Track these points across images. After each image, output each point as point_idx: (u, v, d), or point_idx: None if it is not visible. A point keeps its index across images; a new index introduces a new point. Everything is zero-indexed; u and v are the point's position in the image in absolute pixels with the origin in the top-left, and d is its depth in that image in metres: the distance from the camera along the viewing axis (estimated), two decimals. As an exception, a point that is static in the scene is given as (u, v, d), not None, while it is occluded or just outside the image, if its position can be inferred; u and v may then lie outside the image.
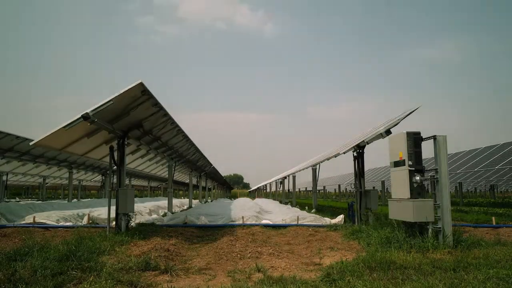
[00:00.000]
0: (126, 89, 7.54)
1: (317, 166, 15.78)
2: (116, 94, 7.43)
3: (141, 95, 8.32)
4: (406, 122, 9.20)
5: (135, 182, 35.02)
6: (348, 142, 12.55)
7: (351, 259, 5.65)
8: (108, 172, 9.62)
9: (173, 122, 11.03)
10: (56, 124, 7.36)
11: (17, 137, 14.57)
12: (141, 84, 7.82)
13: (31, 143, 7.58)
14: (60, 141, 8.32)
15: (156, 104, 9.13)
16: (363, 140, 9.60)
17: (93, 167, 23.40)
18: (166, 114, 10.04)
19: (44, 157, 17.72)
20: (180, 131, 12.45)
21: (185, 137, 13.61)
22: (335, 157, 11.19)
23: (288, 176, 25.82)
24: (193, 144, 15.78)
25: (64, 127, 7.16)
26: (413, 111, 9.16)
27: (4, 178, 21.46)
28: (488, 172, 29.81)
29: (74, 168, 21.63)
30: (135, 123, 9.39)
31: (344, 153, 10.19)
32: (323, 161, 13.46)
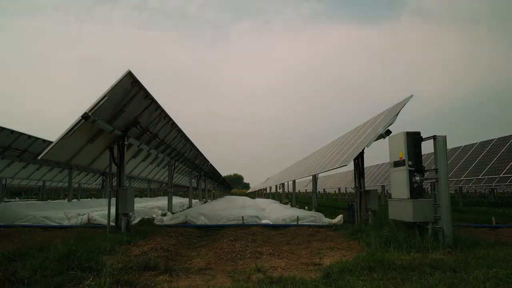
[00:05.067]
0: (117, 81, 7.54)
1: (317, 174, 15.95)
2: (109, 89, 7.43)
3: (131, 87, 8.28)
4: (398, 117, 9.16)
5: (135, 184, 34.98)
6: (348, 139, 12.55)
7: (351, 259, 5.65)
8: (108, 172, 9.60)
9: (166, 115, 11.00)
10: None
11: (12, 131, 14.02)
12: (130, 74, 7.79)
13: (39, 157, 7.56)
14: (65, 151, 8.28)
15: (147, 96, 9.11)
16: (364, 146, 9.58)
17: (93, 168, 23.38)
18: (158, 107, 10.02)
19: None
20: (174, 125, 12.42)
21: (180, 131, 13.59)
22: (336, 168, 11.18)
23: (288, 182, 25.91)
24: (188, 140, 15.76)
25: (67, 133, 7.18)
26: (406, 102, 9.15)
27: (4, 181, 21.44)
28: (491, 180, 29.79)
29: (74, 169, 21.62)
30: (132, 120, 9.38)
31: (346, 164, 10.05)
32: (324, 171, 13.47)
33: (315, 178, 17.70)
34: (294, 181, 23.29)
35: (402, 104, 9.28)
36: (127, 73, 7.71)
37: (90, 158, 9.72)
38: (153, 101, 9.50)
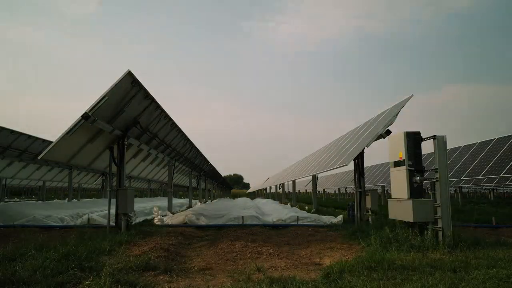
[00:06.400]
0: (117, 81, 7.54)
1: (317, 174, 15.96)
2: (109, 88, 7.43)
3: (131, 87, 8.27)
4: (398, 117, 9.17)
5: (135, 184, 34.97)
6: (348, 138, 12.56)
7: (351, 259, 5.65)
8: (108, 172, 9.61)
9: (166, 115, 11.00)
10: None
11: (12, 131, 13.99)
12: (129, 74, 7.78)
13: (39, 157, 7.55)
14: (65, 151, 8.27)
15: (147, 96, 9.10)
16: (364, 146, 9.58)
17: (93, 168, 23.36)
18: (158, 106, 10.02)
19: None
20: (174, 125, 12.42)
21: (180, 131, 13.59)
22: (336, 168, 11.18)
23: (288, 182, 25.92)
24: (188, 140, 15.77)
25: (67, 133, 7.17)
26: (406, 102, 9.13)
27: (4, 181, 21.45)
28: (491, 180, 29.80)
29: (74, 169, 21.61)
30: (132, 120, 9.38)
31: (346, 164, 10.04)
32: (324, 171, 13.48)
33: (315, 178, 17.71)
34: (294, 181, 23.29)
35: (402, 104, 9.27)
36: (127, 73, 7.71)
37: (90, 158, 9.72)
38: (153, 101, 9.49)
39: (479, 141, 21.77)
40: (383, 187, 29.63)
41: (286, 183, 27.95)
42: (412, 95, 9.23)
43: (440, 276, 4.54)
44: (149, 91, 8.97)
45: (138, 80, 8.15)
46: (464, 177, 19.94)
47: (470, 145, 22.53)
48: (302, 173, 19.71)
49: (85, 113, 7.08)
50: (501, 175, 17.13)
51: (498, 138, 19.97)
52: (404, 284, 4.30)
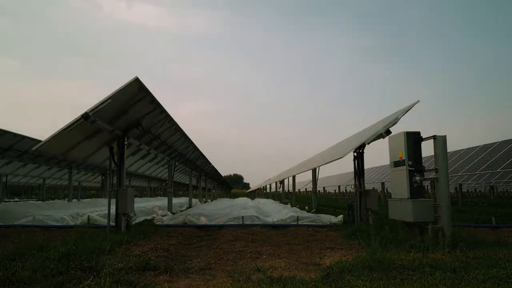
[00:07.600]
0: (123, 86, 7.54)
1: (317, 168, 15.92)
2: (114, 92, 7.43)
3: (138, 92, 8.29)
4: (404, 119, 9.17)
5: (135, 182, 34.98)
6: (349, 141, 12.55)
7: (351, 259, 5.65)
8: (108, 172, 9.60)
9: (170, 119, 11.01)
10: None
11: (15, 135, 14.22)
12: (137, 80, 7.79)
13: (33, 148, 7.55)
14: (61, 145, 8.27)
15: (153, 101, 9.11)
16: (364, 142, 9.58)
17: (93, 167, 23.41)
18: (163, 111, 10.03)
19: (44, 156, 17.71)
20: (178, 129, 12.43)
21: (183, 135, 13.59)
22: (335, 160, 11.18)
23: (288, 177, 25.87)
24: (191, 142, 15.78)
25: (65, 129, 7.16)
26: (411, 107, 9.13)
27: (4, 178, 21.48)
28: (490, 177, 29.79)
29: (74, 168, 21.61)
30: (133, 121, 9.38)
31: (342, 157, 10.07)
32: (323, 164, 13.48)
33: (315, 173, 17.61)
34: (294, 177, 23.18)
35: (407, 109, 9.25)
36: (134, 79, 7.74)
37: (87, 152, 9.74)
38: (158, 105, 9.52)
39: (482, 144, 21.86)
40: (383, 184, 29.60)
41: (286, 180, 27.89)
42: (418, 100, 9.21)
43: (440, 276, 4.54)
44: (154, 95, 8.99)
45: (145, 87, 8.22)
46: (463, 172, 19.98)
47: (472, 147, 22.60)
48: (302, 169, 19.80)
49: (86, 113, 7.07)
50: (498, 170, 17.21)
51: (502, 141, 20.07)
52: (404, 284, 4.30)
